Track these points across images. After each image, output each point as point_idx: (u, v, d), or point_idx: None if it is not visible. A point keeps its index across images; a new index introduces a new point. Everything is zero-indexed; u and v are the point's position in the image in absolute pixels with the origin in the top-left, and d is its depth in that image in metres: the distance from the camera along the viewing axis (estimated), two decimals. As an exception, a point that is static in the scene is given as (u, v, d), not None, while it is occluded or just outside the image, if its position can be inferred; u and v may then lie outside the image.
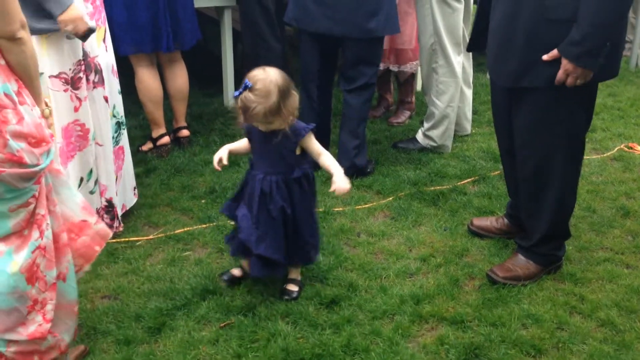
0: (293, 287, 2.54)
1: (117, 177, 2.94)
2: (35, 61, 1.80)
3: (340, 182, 2.37)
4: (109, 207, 2.89)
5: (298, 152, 2.41)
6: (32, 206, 1.80)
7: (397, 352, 2.21)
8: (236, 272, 2.60)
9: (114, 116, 2.89)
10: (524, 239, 2.69)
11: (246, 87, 2.24)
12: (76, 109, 2.62)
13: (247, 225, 2.39)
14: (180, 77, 3.80)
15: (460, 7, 3.65)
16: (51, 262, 1.87)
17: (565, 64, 2.23)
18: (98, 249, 2.08)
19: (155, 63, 3.70)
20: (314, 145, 2.41)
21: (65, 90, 2.57)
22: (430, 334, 2.33)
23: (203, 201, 3.28)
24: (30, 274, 1.82)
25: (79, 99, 2.62)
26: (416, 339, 2.30)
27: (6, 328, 1.85)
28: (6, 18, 1.66)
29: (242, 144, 2.53)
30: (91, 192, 2.80)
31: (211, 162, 3.66)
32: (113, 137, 2.88)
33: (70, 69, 2.57)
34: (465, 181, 3.52)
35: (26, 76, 1.79)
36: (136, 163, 3.61)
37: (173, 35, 3.56)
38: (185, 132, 3.95)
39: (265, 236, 2.38)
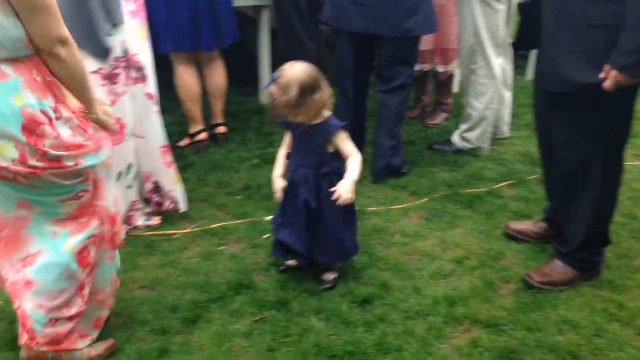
0: (329, 276, 2.57)
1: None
2: (81, 73, 1.84)
3: (343, 187, 2.35)
4: (157, 188, 2.99)
5: (331, 149, 2.42)
6: (84, 198, 1.92)
7: (430, 353, 2.20)
8: (291, 262, 2.64)
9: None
10: (561, 244, 2.65)
11: (273, 79, 2.31)
12: (113, 103, 2.67)
13: (277, 213, 2.51)
14: (218, 75, 3.84)
15: (502, 8, 3.61)
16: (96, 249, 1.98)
17: (615, 75, 2.19)
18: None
19: (194, 61, 3.75)
20: (344, 144, 2.43)
21: (102, 85, 2.63)
22: (464, 336, 2.31)
23: (238, 197, 3.31)
24: (81, 258, 1.94)
25: (115, 93, 2.67)
26: (449, 341, 2.29)
27: (52, 307, 1.93)
28: (45, 34, 1.72)
29: (283, 159, 2.55)
30: (128, 187, 2.85)
31: (247, 158, 3.75)
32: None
33: (109, 65, 2.62)
34: (502, 184, 3.49)
35: (71, 87, 1.85)
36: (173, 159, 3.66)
37: (212, 34, 3.61)
38: (222, 129, 4.00)
39: (289, 224, 2.47)
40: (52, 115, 1.80)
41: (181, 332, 2.29)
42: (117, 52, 2.63)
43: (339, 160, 2.44)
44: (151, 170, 2.95)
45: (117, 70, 2.65)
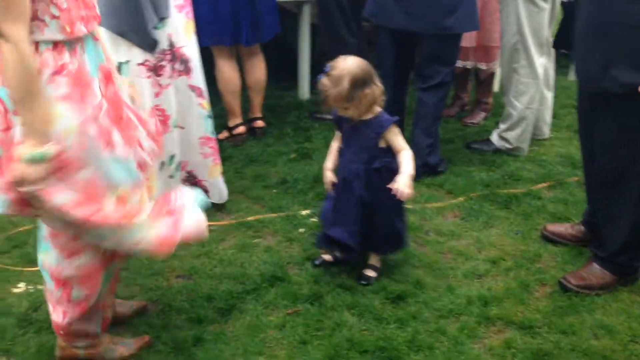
0: (371, 273, 2.59)
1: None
2: (17, 82, 1.59)
3: (401, 182, 2.36)
4: (190, 177, 3.03)
5: (382, 144, 2.43)
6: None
7: (462, 352, 2.19)
8: (327, 257, 2.67)
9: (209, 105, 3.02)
10: (600, 248, 2.61)
11: (325, 72, 2.33)
12: (157, 95, 2.74)
13: (326, 208, 2.53)
14: (258, 70, 3.89)
15: (547, 6, 3.56)
16: None
17: None
18: None
19: (235, 55, 3.80)
20: (396, 139, 2.44)
21: (148, 77, 2.70)
22: (497, 336, 2.30)
23: (274, 191, 3.34)
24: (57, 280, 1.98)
25: (160, 85, 2.74)
26: (482, 341, 2.28)
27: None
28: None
29: (335, 152, 2.57)
30: (170, 176, 2.91)
31: (284, 153, 3.79)
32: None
33: (155, 57, 2.68)
34: (541, 185, 3.44)
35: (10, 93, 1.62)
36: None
37: (253, 28, 3.65)
38: (260, 123, 4.04)
39: (341, 221, 2.46)
40: (10, 107, 1.65)
41: (216, 321, 2.34)
42: (163, 45, 2.70)
43: (390, 155, 2.46)
44: (187, 159, 3.00)
45: (163, 63, 2.72)
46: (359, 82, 2.31)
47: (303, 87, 4.70)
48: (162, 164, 2.86)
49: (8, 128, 1.67)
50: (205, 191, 3.10)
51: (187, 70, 2.83)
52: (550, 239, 2.89)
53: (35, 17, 1.61)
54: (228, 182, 3.39)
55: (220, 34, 3.60)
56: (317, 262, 2.67)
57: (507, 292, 2.53)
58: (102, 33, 2.61)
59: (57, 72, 1.68)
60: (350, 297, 2.47)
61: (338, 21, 4.08)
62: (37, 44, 1.65)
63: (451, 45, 3.41)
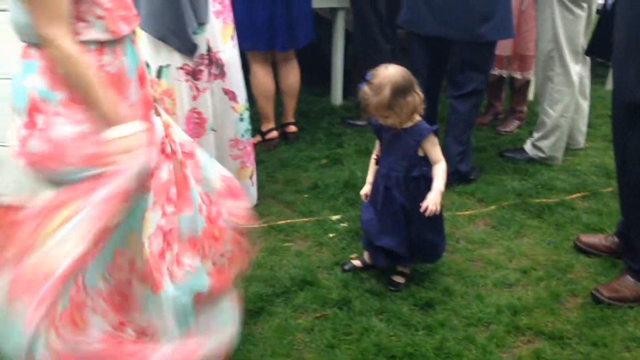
0: (399, 279, 2.60)
1: (253, 169, 3.16)
2: (75, 80, 1.63)
3: (431, 200, 2.39)
4: None
5: (421, 153, 2.45)
6: None
7: (490, 361, 2.19)
8: (357, 262, 2.69)
9: (247, 109, 3.07)
10: (634, 260, 2.57)
11: (366, 80, 2.36)
12: (194, 98, 2.81)
13: (368, 217, 2.53)
14: (292, 75, 3.94)
15: (583, 14, 3.53)
16: None
17: None
18: None
19: (270, 60, 3.85)
20: (433, 149, 2.45)
21: (186, 81, 2.77)
22: (527, 346, 2.29)
23: (306, 196, 3.37)
24: None
25: (197, 89, 2.81)
26: (511, 350, 2.26)
27: None
28: (34, 27, 1.60)
29: (373, 164, 2.60)
30: None
31: (315, 158, 3.81)
32: (248, 129, 3.08)
33: (193, 61, 2.75)
34: (574, 196, 3.40)
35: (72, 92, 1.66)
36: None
37: (288, 34, 3.70)
38: (292, 128, 4.08)
39: (388, 230, 2.48)
40: (54, 108, 1.68)
41: (245, 322, 2.36)
42: (202, 49, 2.76)
43: (428, 164, 2.47)
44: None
45: (201, 67, 2.79)
46: (400, 91, 2.33)
47: (336, 93, 4.73)
48: None
49: (48, 129, 1.70)
50: None
51: (222, 74, 2.89)
52: (583, 249, 2.85)
53: (80, 19, 1.65)
54: (259, 186, 3.44)
55: (256, 40, 3.66)
56: (346, 268, 2.69)
57: (538, 302, 2.51)
58: (143, 37, 2.68)
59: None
60: (379, 303, 2.48)
61: (373, 27, 4.10)
62: (83, 45, 1.68)
63: (485, 53, 3.40)
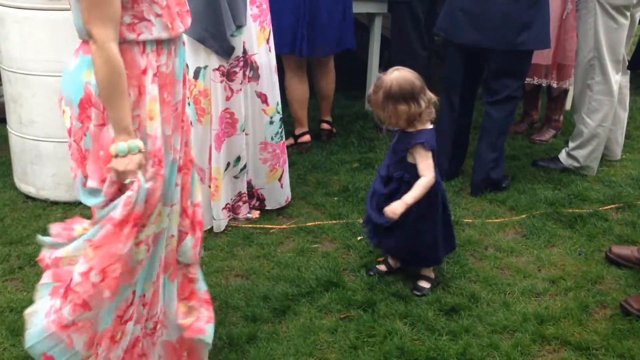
0: (424, 284, 2.61)
1: (283, 171, 3.20)
2: (105, 84, 1.67)
3: (393, 205, 2.45)
4: (248, 187, 3.12)
5: (411, 160, 2.50)
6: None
7: (513, 369, 2.17)
8: (382, 267, 2.72)
9: (278, 112, 3.11)
10: (666, 273, 2.52)
11: (378, 77, 2.47)
12: (227, 99, 2.88)
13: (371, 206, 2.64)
14: (328, 79, 4.01)
15: (626, 23, 3.47)
16: None
17: None
18: None
19: (305, 65, 3.90)
20: (421, 160, 2.47)
21: (221, 82, 2.83)
22: (552, 356, 2.26)
23: (336, 198, 3.39)
24: None
25: (231, 89, 2.87)
26: (535, 359, 2.25)
27: None
28: (83, 23, 1.66)
29: None
30: (235, 177, 3.03)
31: (347, 161, 3.83)
32: (278, 133, 3.12)
33: (228, 63, 2.80)
34: (608, 207, 3.35)
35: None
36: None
37: (310, 40, 3.69)
38: (326, 126, 4.12)
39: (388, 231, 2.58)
40: None
41: (270, 321, 2.40)
42: (238, 51, 2.83)
43: (415, 173, 2.50)
44: (249, 168, 3.10)
45: (235, 69, 2.85)
46: (392, 97, 2.40)
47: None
48: (228, 165, 2.97)
49: (103, 124, 1.76)
50: (262, 199, 3.18)
51: (256, 77, 2.94)
52: (614, 261, 2.81)
53: (141, 18, 1.72)
54: (290, 188, 3.47)
55: (279, 44, 3.70)
56: (371, 273, 2.70)
57: (565, 311, 2.48)
58: (184, 39, 2.75)
59: (155, 73, 1.78)
60: (404, 307, 2.49)
61: (411, 34, 4.10)
62: (144, 45, 1.74)
63: (522, 61, 3.37)
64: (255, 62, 2.93)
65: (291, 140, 4.04)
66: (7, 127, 3.33)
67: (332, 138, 4.16)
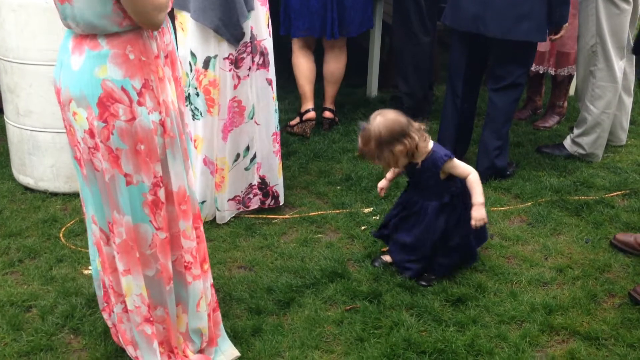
0: (431, 275, 2.59)
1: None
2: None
3: (477, 215, 2.44)
4: (262, 184, 3.06)
5: (443, 176, 2.50)
6: None
7: (522, 360, 2.14)
8: (387, 258, 2.69)
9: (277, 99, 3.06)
10: (675, 261, 2.49)
11: (362, 129, 2.43)
12: (235, 87, 2.81)
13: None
14: (335, 62, 3.99)
15: (629, 8, 3.42)
16: None
17: None
18: None
19: (313, 45, 3.94)
20: (457, 169, 2.50)
21: (230, 70, 2.78)
22: (561, 346, 2.23)
23: (338, 187, 3.35)
24: None
25: (238, 77, 2.80)
26: (544, 350, 2.22)
27: None
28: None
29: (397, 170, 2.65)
30: (246, 169, 2.97)
31: (349, 150, 3.78)
32: (278, 120, 3.06)
33: (236, 50, 2.75)
34: (614, 194, 3.31)
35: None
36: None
37: (339, 23, 3.75)
38: (328, 114, 4.08)
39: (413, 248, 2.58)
40: (135, 97, 1.71)
41: (275, 313, 2.37)
42: (246, 37, 2.77)
43: (455, 181, 2.52)
44: (261, 160, 3.03)
45: (243, 55, 2.79)
46: (385, 143, 2.37)
47: (372, 84, 4.68)
48: (238, 156, 2.92)
49: (133, 119, 1.73)
50: (277, 197, 3.13)
51: (265, 64, 2.89)
52: (619, 248, 2.77)
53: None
54: (292, 176, 3.44)
55: (310, 27, 3.75)
56: (376, 264, 2.66)
57: (573, 301, 2.45)
58: (191, 28, 2.68)
59: (166, 55, 1.84)
60: (410, 297, 2.45)
61: (413, 20, 4.05)
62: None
63: (526, 49, 3.32)
64: (265, 48, 2.87)
65: (297, 119, 4.01)
66: (4, 117, 3.28)
67: (334, 126, 4.11)
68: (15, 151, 3.26)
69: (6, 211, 3.04)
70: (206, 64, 2.74)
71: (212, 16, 2.62)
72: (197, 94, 2.79)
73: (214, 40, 2.71)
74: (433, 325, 2.31)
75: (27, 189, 3.24)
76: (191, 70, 2.76)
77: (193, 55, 2.73)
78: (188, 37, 2.72)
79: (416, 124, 2.43)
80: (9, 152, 3.36)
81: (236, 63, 2.77)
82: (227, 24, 2.67)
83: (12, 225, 2.90)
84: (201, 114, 2.80)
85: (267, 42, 2.87)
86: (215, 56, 2.73)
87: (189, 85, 2.78)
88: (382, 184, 2.67)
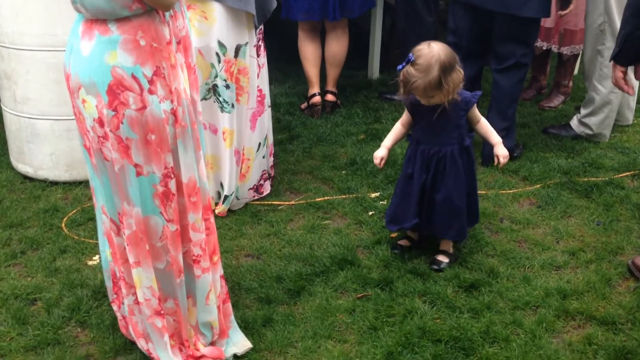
0: (443, 258, 2.54)
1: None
2: None
3: (501, 152, 2.46)
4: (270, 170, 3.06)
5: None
6: None
7: (539, 346, 2.10)
8: (404, 242, 2.63)
9: None
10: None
11: (409, 61, 2.26)
12: (258, 76, 2.77)
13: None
14: (339, 44, 3.92)
15: (639, -16, 3.34)
16: None
17: None
18: None
19: (319, 29, 3.89)
20: (475, 112, 2.47)
21: (257, 57, 2.75)
22: (577, 331, 2.20)
23: (344, 172, 3.29)
24: None
25: (259, 65, 2.77)
26: (561, 335, 2.18)
27: None
28: None
29: (398, 133, 2.54)
30: (263, 157, 2.95)
31: (353, 133, 3.72)
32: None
33: (257, 38, 2.71)
34: (624, 174, 3.26)
35: None
36: (280, 130, 3.71)
37: (340, 3, 3.70)
38: (330, 97, 4.03)
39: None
40: (145, 85, 1.65)
41: (285, 302, 2.32)
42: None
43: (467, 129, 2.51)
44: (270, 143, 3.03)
45: (260, 43, 2.75)
46: (448, 69, 2.25)
47: (373, 66, 4.61)
48: (259, 145, 2.89)
49: (144, 107, 1.67)
50: (273, 176, 3.10)
51: (265, 47, 2.84)
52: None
53: None
54: (296, 161, 3.38)
55: (310, 10, 3.69)
56: (396, 250, 2.59)
57: (588, 285, 2.41)
58: (223, 17, 2.57)
59: (179, 41, 1.78)
60: (422, 284, 2.41)
61: (418, 1, 3.98)
62: (163, 13, 1.71)
63: (528, 27, 3.25)
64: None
65: (305, 104, 3.98)
66: (2, 105, 3.20)
67: (336, 109, 4.04)
68: (13, 139, 3.18)
69: (6, 201, 2.97)
70: (237, 52, 2.66)
71: (252, 2, 2.57)
72: (227, 86, 2.69)
73: (245, 28, 2.64)
74: (447, 312, 2.27)
75: (26, 177, 3.18)
76: (219, 62, 2.65)
77: (221, 45, 2.62)
78: (215, 26, 2.59)
79: None
80: (6, 140, 3.28)
81: (257, 50, 2.74)
82: (262, 9, 2.64)
83: (13, 216, 2.84)
84: (232, 106, 2.73)
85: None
86: (246, 44, 2.67)
87: (217, 77, 2.68)
88: (382, 152, 2.49)
